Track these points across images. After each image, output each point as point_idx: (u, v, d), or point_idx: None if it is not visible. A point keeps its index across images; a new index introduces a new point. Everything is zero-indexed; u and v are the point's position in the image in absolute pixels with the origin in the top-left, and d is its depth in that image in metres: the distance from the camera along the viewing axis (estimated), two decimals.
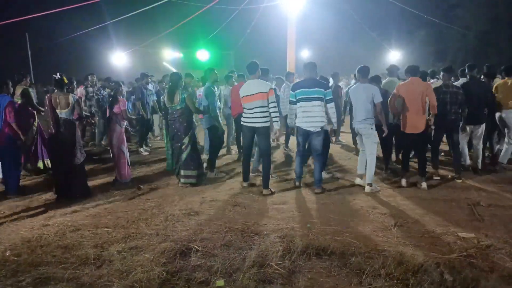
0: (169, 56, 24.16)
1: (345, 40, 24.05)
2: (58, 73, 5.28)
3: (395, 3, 15.18)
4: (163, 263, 3.29)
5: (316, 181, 5.42)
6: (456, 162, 6.00)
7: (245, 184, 5.72)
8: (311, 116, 5.23)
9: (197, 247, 3.57)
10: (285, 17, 12.37)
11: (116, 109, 5.80)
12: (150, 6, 12.11)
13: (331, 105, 5.25)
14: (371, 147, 5.40)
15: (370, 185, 5.38)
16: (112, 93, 6.31)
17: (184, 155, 5.75)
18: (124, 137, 6.01)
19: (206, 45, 22.11)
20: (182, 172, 5.80)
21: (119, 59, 20.30)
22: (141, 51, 22.26)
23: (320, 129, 5.26)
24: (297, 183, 5.70)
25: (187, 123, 5.77)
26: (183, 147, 5.75)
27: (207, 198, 5.18)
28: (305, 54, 26.72)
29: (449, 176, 6.00)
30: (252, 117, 5.28)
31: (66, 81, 5.34)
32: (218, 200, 5.13)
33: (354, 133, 5.68)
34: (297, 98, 5.33)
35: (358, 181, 5.71)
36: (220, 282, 2.97)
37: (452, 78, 6.30)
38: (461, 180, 5.77)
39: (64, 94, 5.25)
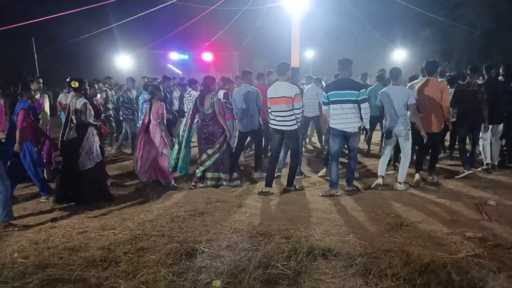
0: (174, 58, 24.26)
1: (350, 40, 23.99)
2: (69, 77, 5.30)
3: (400, 2, 15.13)
4: (169, 264, 3.30)
5: (348, 179, 5.42)
6: (471, 158, 6.14)
7: (265, 190, 5.40)
8: (346, 118, 5.15)
9: (202, 248, 3.58)
10: (289, 17, 12.37)
11: (154, 113, 5.75)
12: (155, 9, 12.19)
13: (364, 105, 5.09)
14: (408, 149, 5.43)
15: (401, 183, 5.44)
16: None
17: (213, 158, 5.70)
18: (166, 141, 5.90)
19: (210, 46, 22.19)
20: (216, 175, 5.77)
21: (124, 61, 20.44)
22: (146, 53, 22.41)
23: (356, 130, 5.23)
24: (334, 192, 5.26)
25: (219, 127, 5.70)
26: (214, 150, 5.69)
27: (212, 199, 5.18)
28: (310, 54, 26.68)
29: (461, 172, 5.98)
30: (278, 120, 5.30)
31: (76, 84, 5.21)
32: (223, 201, 5.13)
33: (388, 136, 5.57)
34: (330, 100, 5.20)
35: (379, 181, 5.63)
36: (217, 283, 2.98)
37: (480, 77, 6.39)
38: (470, 172, 5.88)
39: (76, 98, 5.19)
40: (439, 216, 4.39)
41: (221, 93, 6.85)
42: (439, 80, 5.97)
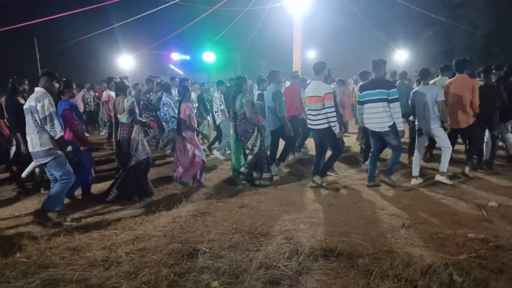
0: (176, 58, 24.29)
1: (352, 40, 23.97)
2: (117, 77, 5.43)
3: (402, 2, 15.11)
4: (171, 264, 3.30)
5: (388, 170, 5.61)
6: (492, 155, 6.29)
7: (312, 184, 5.72)
8: (376, 117, 5.27)
9: (204, 249, 3.58)
10: (290, 18, 12.37)
11: (182, 114, 5.77)
12: (157, 9, 12.20)
13: (394, 105, 5.16)
14: (445, 142, 5.52)
15: (443, 174, 5.53)
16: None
17: (248, 159, 5.76)
18: (198, 141, 5.98)
19: (212, 47, 22.20)
20: (254, 174, 5.80)
21: (126, 62, 20.48)
22: (148, 53, 22.44)
23: (388, 128, 5.26)
24: (370, 184, 5.63)
25: (252, 126, 5.75)
26: (248, 150, 5.77)
27: (214, 200, 5.19)
28: (311, 54, 26.68)
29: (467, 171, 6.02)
30: (311, 119, 5.51)
31: (127, 83, 5.42)
32: (224, 201, 5.14)
33: (419, 134, 5.71)
34: (364, 99, 5.40)
35: (414, 182, 5.67)
36: (215, 283, 2.98)
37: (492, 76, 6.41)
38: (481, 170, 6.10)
39: (122, 98, 5.29)
40: (441, 217, 4.38)
41: (257, 93, 7.16)
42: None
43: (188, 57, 24.99)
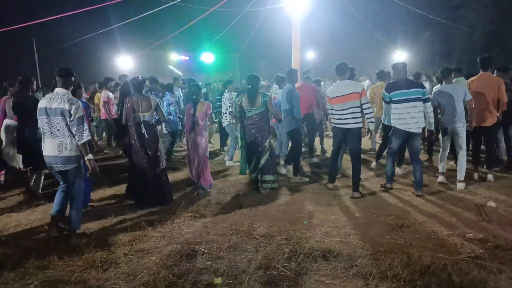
0: (175, 59, 24.29)
1: (350, 41, 24.00)
2: (139, 76, 5.21)
3: (400, 3, 15.13)
4: (170, 265, 3.30)
5: (418, 183, 5.24)
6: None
7: (330, 186, 5.65)
8: (413, 117, 5.10)
9: (203, 250, 3.58)
10: (289, 18, 12.37)
11: (201, 114, 5.57)
12: (155, 10, 12.19)
13: (429, 104, 5.13)
14: (464, 144, 5.48)
15: (462, 181, 5.46)
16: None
17: (263, 160, 5.61)
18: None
19: (211, 47, 22.19)
20: (264, 177, 5.68)
21: (125, 62, 20.46)
22: (147, 54, 22.43)
23: (422, 131, 5.22)
24: (388, 185, 5.51)
25: (267, 127, 5.67)
26: (264, 151, 5.62)
27: (213, 201, 5.18)
28: (310, 55, 26.69)
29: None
30: (345, 118, 5.22)
31: (147, 82, 5.18)
32: (223, 202, 5.13)
33: (445, 133, 5.61)
34: (394, 99, 5.18)
35: (441, 179, 5.66)
36: (218, 280, 2.98)
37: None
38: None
39: (145, 96, 5.10)
40: (440, 217, 4.38)
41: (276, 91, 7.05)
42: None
43: (187, 58, 24.98)
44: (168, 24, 19.71)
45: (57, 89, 3.89)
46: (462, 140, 5.47)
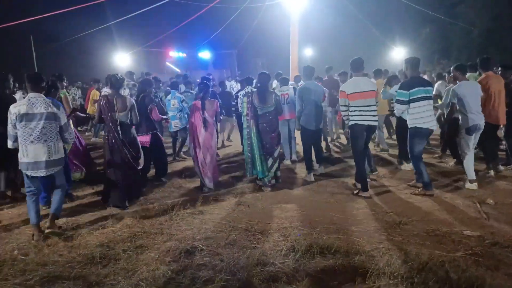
0: (173, 56, 24.21)
1: (349, 37, 23.97)
2: (118, 73, 5.10)
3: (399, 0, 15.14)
4: (168, 261, 3.31)
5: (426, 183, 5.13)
6: None
7: (367, 194, 5.13)
8: (431, 115, 5.01)
9: (201, 246, 3.59)
10: (287, 15, 12.36)
11: (211, 111, 5.54)
12: (153, 6, 12.15)
13: (431, 102, 5.06)
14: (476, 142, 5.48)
15: (473, 181, 5.33)
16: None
17: (278, 157, 5.60)
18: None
19: (209, 44, 22.14)
20: (278, 173, 5.69)
21: (123, 59, 20.39)
22: (145, 51, 22.35)
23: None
24: (432, 192, 5.07)
25: (277, 124, 5.67)
26: (279, 148, 5.63)
27: (211, 197, 5.19)
28: (308, 52, 26.66)
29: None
30: (368, 115, 5.08)
31: (126, 83, 5.13)
32: (222, 199, 5.14)
33: (473, 131, 5.33)
34: (412, 97, 4.90)
35: (474, 186, 5.33)
36: None
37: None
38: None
39: (121, 96, 4.93)
40: (438, 214, 4.41)
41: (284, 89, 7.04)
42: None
43: (185, 55, 24.90)
44: (166, 21, 19.65)
45: (32, 94, 3.89)
46: (478, 137, 5.44)
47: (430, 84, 5.15)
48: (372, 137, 7.44)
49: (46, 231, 3.95)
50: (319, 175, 6.23)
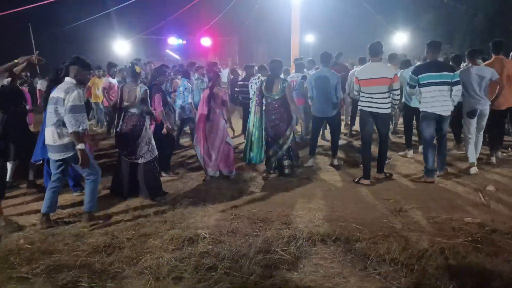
0: (173, 43, 24.04)
1: (351, 23, 23.68)
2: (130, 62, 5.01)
3: None
4: (172, 249, 3.36)
5: (440, 165, 5.32)
6: None
7: (367, 182, 5.15)
8: (442, 101, 4.96)
9: (204, 234, 3.64)
10: (289, 1, 12.19)
11: (217, 101, 5.41)
12: None
13: (458, 87, 4.95)
14: (484, 127, 5.56)
15: (474, 164, 5.40)
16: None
17: (286, 146, 5.50)
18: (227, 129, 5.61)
19: (209, 31, 21.92)
20: (285, 163, 5.58)
21: (122, 47, 20.26)
22: (144, 38, 22.18)
23: (450, 113, 5.11)
24: (431, 179, 5.09)
25: (288, 113, 5.50)
26: (285, 138, 5.50)
27: (213, 186, 5.23)
28: (310, 38, 26.39)
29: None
30: (373, 102, 5.04)
31: (138, 70, 4.86)
32: (224, 187, 5.18)
33: (474, 116, 5.42)
34: (421, 82, 4.98)
35: (474, 170, 5.39)
36: None
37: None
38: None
39: (132, 86, 4.75)
40: (438, 201, 4.43)
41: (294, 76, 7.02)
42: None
43: (184, 42, 24.69)
44: (166, 8, 19.43)
45: (66, 79, 3.96)
46: (485, 122, 5.53)
47: (448, 69, 4.98)
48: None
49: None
50: (334, 167, 6.05)
